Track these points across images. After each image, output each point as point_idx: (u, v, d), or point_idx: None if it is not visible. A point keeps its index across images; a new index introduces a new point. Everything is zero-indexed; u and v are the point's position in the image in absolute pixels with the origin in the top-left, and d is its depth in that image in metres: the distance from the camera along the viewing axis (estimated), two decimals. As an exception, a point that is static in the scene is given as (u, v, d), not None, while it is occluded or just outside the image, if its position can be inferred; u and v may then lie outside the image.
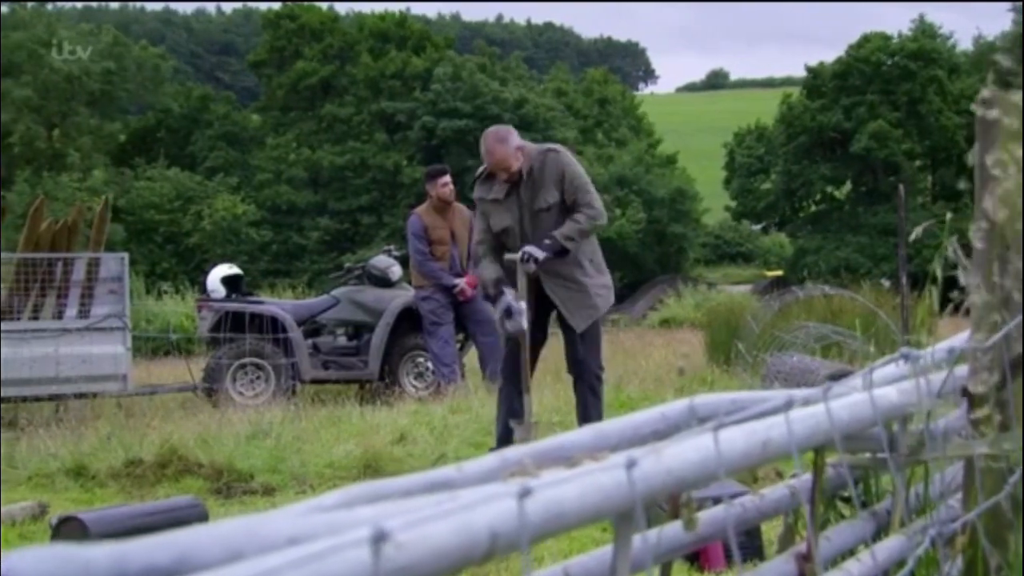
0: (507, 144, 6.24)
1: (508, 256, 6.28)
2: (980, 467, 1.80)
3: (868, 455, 1.98)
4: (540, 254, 6.13)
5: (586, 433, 1.38)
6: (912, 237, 2.12)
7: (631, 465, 0.90)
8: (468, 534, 0.81)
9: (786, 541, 2.01)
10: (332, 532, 0.80)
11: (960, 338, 1.98)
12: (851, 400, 1.56)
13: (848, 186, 51.10)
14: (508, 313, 6.14)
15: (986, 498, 1.88)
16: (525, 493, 0.78)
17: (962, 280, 1.88)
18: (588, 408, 6.37)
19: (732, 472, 1.21)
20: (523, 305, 6.20)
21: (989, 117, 1.94)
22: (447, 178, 10.42)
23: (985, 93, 1.99)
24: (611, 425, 1.44)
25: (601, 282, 6.40)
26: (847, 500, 2.20)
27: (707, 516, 1.76)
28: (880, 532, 2.04)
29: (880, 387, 1.83)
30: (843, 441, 1.79)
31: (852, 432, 1.62)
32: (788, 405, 1.36)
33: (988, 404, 1.81)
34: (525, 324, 6.18)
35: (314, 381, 11.15)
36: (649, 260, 50.33)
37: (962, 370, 1.91)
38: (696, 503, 3.74)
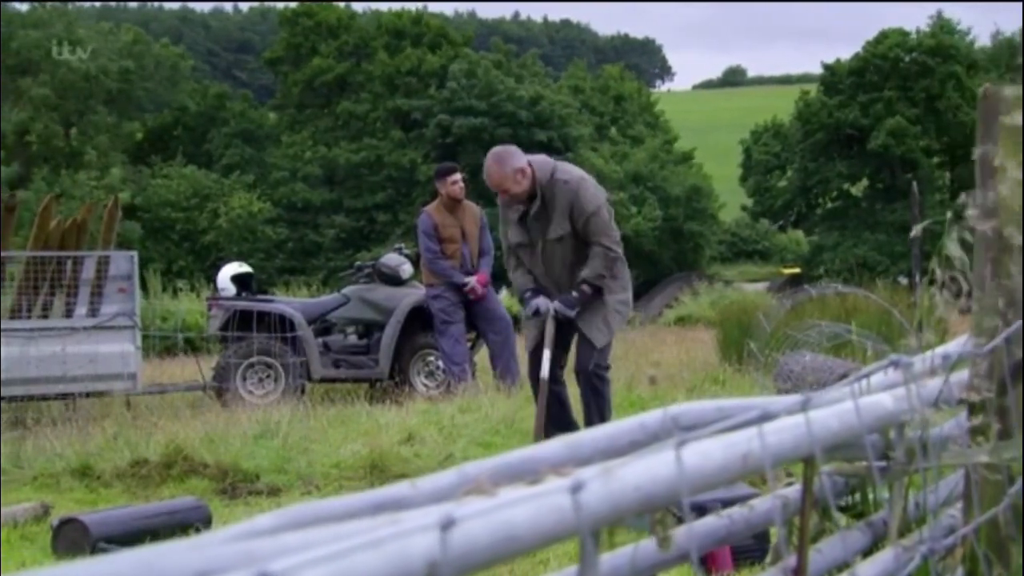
0: (504, 166, 6.09)
1: (533, 304, 6.24)
2: (977, 477, 1.73)
3: (864, 464, 1.90)
4: (571, 312, 6.13)
5: (558, 445, 1.32)
6: (912, 235, 2.05)
7: (577, 488, 0.83)
8: (397, 567, 0.75)
9: (779, 553, 1.94)
10: (249, 563, 0.74)
11: (957, 343, 1.91)
12: (840, 409, 1.49)
13: (865, 183, 50.89)
14: (536, 311, 6.18)
15: (985, 509, 1.80)
16: (448, 524, 0.72)
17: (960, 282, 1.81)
18: (589, 407, 6.30)
19: (701, 490, 1.15)
20: (547, 352, 6.17)
21: (988, 112, 1.87)
22: (457, 176, 10.37)
23: (985, 87, 1.92)
24: (585, 436, 1.37)
25: (620, 298, 6.30)
26: (846, 510, 2.13)
27: (686, 531, 1.69)
28: (877, 544, 1.97)
29: (875, 394, 1.76)
30: (835, 450, 1.72)
31: (843, 441, 1.55)
32: (771, 415, 1.30)
33: (987, 412, 1.74)
34: (546, 372, 6.16)
35: (324, 380, 11.10)
36: (665, 257, 50.22)
37: (960, 376, 1.84)
38: (711, 506, 3.65)
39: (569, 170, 6.24)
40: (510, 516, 0.87)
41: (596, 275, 6.11)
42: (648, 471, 1.09)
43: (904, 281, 24.49)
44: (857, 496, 2.09)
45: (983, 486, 1.80)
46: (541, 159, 6.27)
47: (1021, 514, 1.79)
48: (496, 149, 6.34)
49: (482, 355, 10.92)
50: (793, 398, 1.33)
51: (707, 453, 1.27)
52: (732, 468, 1.30)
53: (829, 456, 1.91)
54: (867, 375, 1.54)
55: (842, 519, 2.08)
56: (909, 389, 1.54)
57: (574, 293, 6.13)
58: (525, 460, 1.23)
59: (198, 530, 5.32)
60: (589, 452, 1.36)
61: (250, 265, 12.04)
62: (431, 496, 1.06)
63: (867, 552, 1.94)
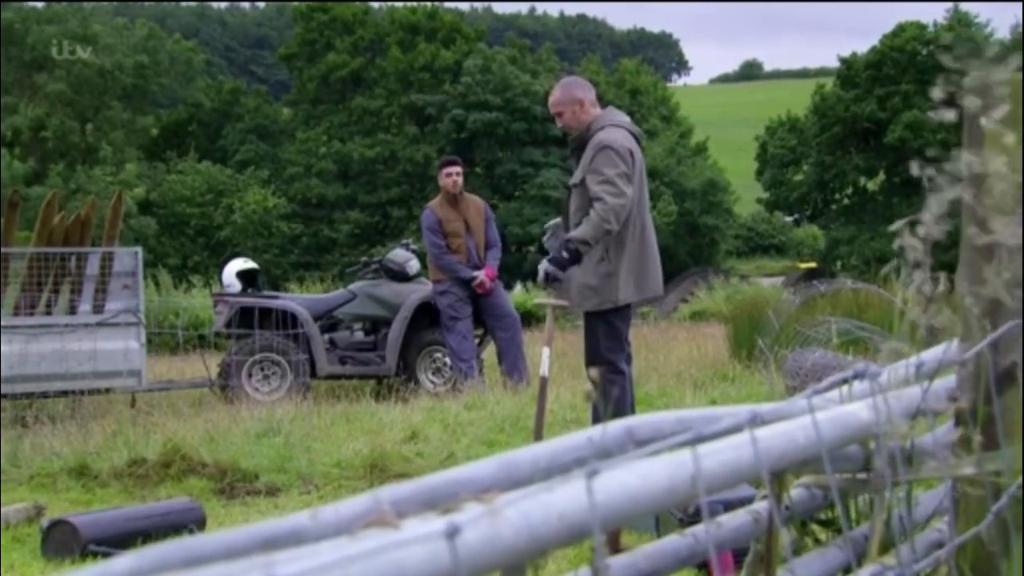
0: (566, 91, 6.11)
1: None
2: (957, 492, 1.63)
3: (842, 476, 1.80)
4: (560, 273, 5.82)
5: (491, 465, 1.22)
6: (893, 228, 1.95)
7: (453, 533, 0.73)
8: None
9: (754, 571, 1.84)
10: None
11: (937, 349, 1.80)
12: (804, 422, 1.38)
13: (882, 177, 50.55)
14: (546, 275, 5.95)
15: (970, 524, 1.70)
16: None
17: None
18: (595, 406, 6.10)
19: (613, 525, 1.04)
20: (547, 349, 6.00)
21: (976, 103, 1.76)
22: (452, 168, 10.25)
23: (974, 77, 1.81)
24: (524, 454, 1.27)
25: (586, 282, 5.94)
26: (827, 524, 2.02)
27: (650, 549, 1.60)
28: (861, 561, 1.87)
29: (852, 403, 1.65)
30: (805, 464, 1.62)
31: (810, 455, 1.44)
32: (719, 433, 1.20)
33: (968, 422, 1.64)
34: (546, 370, 5.99)
35: (330, 377, 11.03)
36: (681, 252, 50.01)
37: (942, 384, 1.73)
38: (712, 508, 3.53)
39: (612, 134, 5.91)
40: (400, 558, 0.78)
41: (581, 238, 5.76)
42: (573, 498, 0.99)
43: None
44: (838, 510, 1.98)
45: (967, 500, 1.69)
46: (613, 113, 6.12)
47: (1007, 529, 1.69)
48: (573, 77, 6.44)
49: (489, 351, 10.83)
50: (747, 410, 1.23)
51: (650, 475, 1.17)
52: (679, 491, 1.20)
53: (806, 468, 1.81)
54: (824, 389, 1.43)
55: (824, 533, 1.98)
56: (877, 400, 1.44)
57: (564, 253, 5.85)
58: (449, 483, 1.13)
59: (191, 531, 5.23)
60: (528, 472, 1.26)
61: (265, 261, 11.99)
62: (331, 528, 0.96)
63: (847, 570, 1.84)
